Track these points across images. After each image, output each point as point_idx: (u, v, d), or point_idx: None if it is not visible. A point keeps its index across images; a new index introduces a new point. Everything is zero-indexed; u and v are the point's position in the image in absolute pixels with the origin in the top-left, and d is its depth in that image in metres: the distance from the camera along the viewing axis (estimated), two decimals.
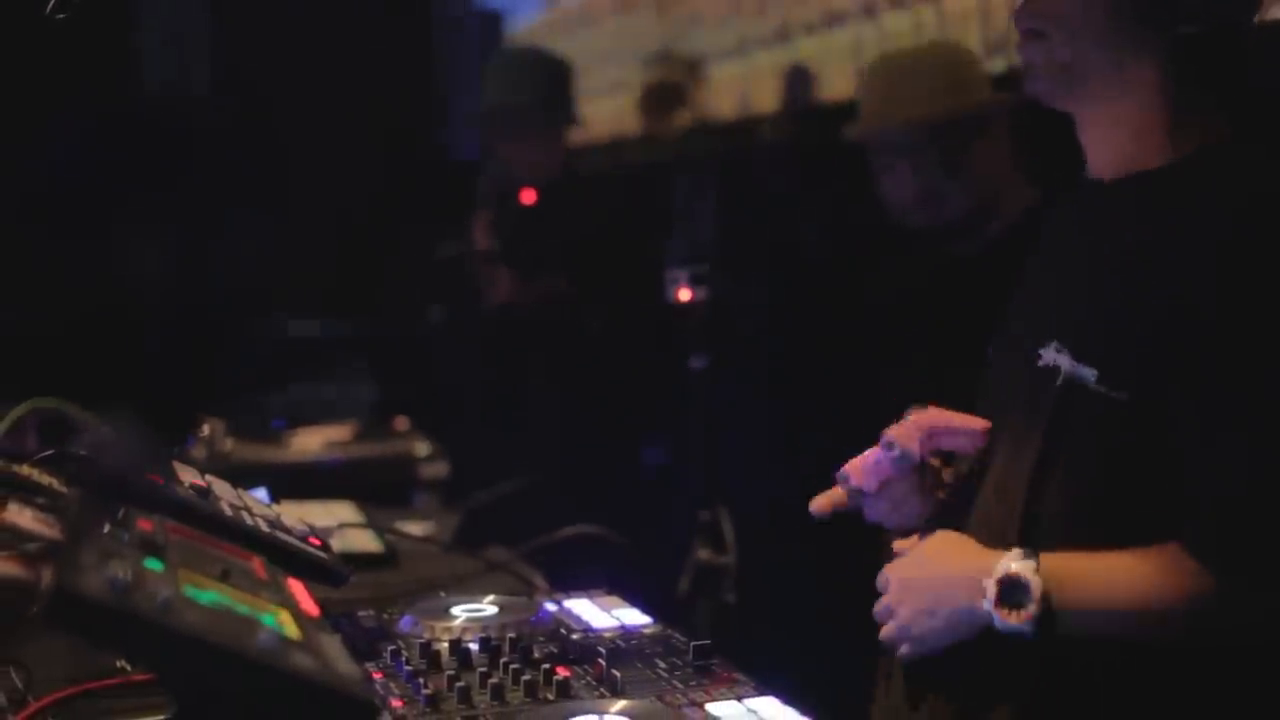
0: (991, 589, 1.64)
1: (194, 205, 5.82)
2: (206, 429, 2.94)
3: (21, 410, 1.93)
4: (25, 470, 1.66)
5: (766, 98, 4.18)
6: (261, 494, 2.21)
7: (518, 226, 4.03)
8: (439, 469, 3.21)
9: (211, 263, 5.88)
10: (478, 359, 4.10)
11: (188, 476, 1.84)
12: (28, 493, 1.62)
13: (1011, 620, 1.63)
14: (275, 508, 2.02)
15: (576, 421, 3.94)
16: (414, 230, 4.54)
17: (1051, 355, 1.73)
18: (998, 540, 1.73)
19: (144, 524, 1.47)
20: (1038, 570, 1.63)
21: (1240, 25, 1.74)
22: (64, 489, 1.62)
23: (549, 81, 4.19)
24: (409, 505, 3.12)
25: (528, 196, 4.02)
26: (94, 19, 1.87)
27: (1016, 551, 1.65)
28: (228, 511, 1.76)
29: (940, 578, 1.73)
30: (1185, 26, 1.70)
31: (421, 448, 3.23)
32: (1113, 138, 1.77)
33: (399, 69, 6.19)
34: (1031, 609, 1.62)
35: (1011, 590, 1.64)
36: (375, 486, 3.02)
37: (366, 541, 2.44)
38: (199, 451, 2.92)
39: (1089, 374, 1.67)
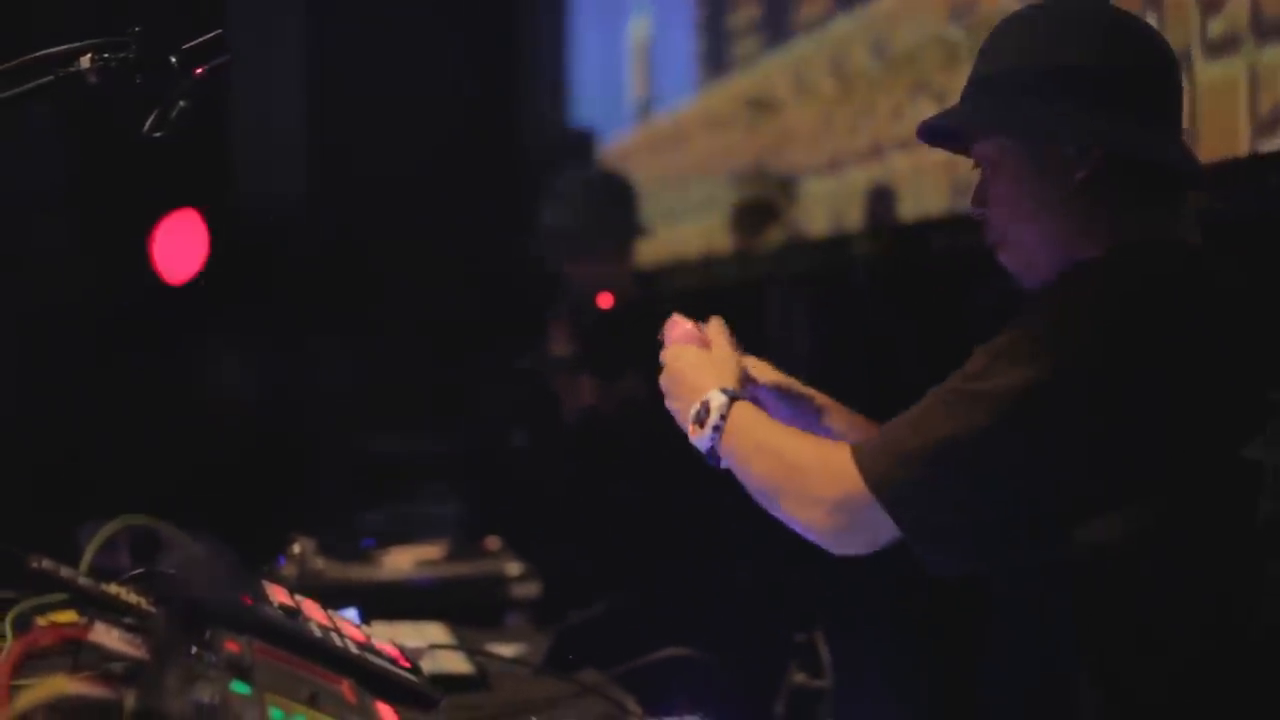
0: (691, 411, 2.03)
1: (285, 322, 5.87)
2: (297, 548, 2.93)
3: (113, 527, 1.93)
4: (113, 589, 1.65)
5: (859, 215, 4.16)
6: (353, 614, 2.18)
7: (596, 331, 4.01)
8: (530, 589, 3.17)
9: (304, 379, 5.91)
10: (564, 476, 4.07)
11: (278, 596, 1.82)
12: (115, 612, 1.60)
13: (694, 435, 2.02)
14: (366, 628, 1.99)
15: (669, 540, 3.90)
16: (504, 346, 4.54)
17: None
18: None
19: (232, 645, 1.44)
20: (730, 403, 1.99)
21: (1139, 150, 1.91)
22: (152, 608, 1.60)
23: (603, 203, 4.21)
24: (500, 626, 3.09)
25: (605, 300, 4.02)
26: (191, 134, 1.88)
27: (720, 388, 2.01)
28: (317, 633, 1.74)
29: (683, 387, 2.08)
30: (1080, 173, 1.90)
31: (513, 567, 3.19)
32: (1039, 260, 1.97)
33: (490, 187, 6.23)
34: (708, 428, 1.99)
35: (702, 412, 2.01)
36: (466, 606, 2.98)
37: (457, 663, 2.40)
38: (290, 570, 2.90)
39: None
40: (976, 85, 1.98)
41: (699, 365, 2.09)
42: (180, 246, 5.43)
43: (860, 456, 1.87)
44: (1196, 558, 1.79)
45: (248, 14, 5.83)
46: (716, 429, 2.01)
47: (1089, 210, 1.91)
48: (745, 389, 2.08)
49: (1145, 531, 1.76)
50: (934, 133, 2.06)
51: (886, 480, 1.84)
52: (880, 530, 1.87)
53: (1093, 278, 1.86)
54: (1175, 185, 1.95)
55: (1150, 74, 1.93)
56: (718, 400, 2.01)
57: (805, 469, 1.92)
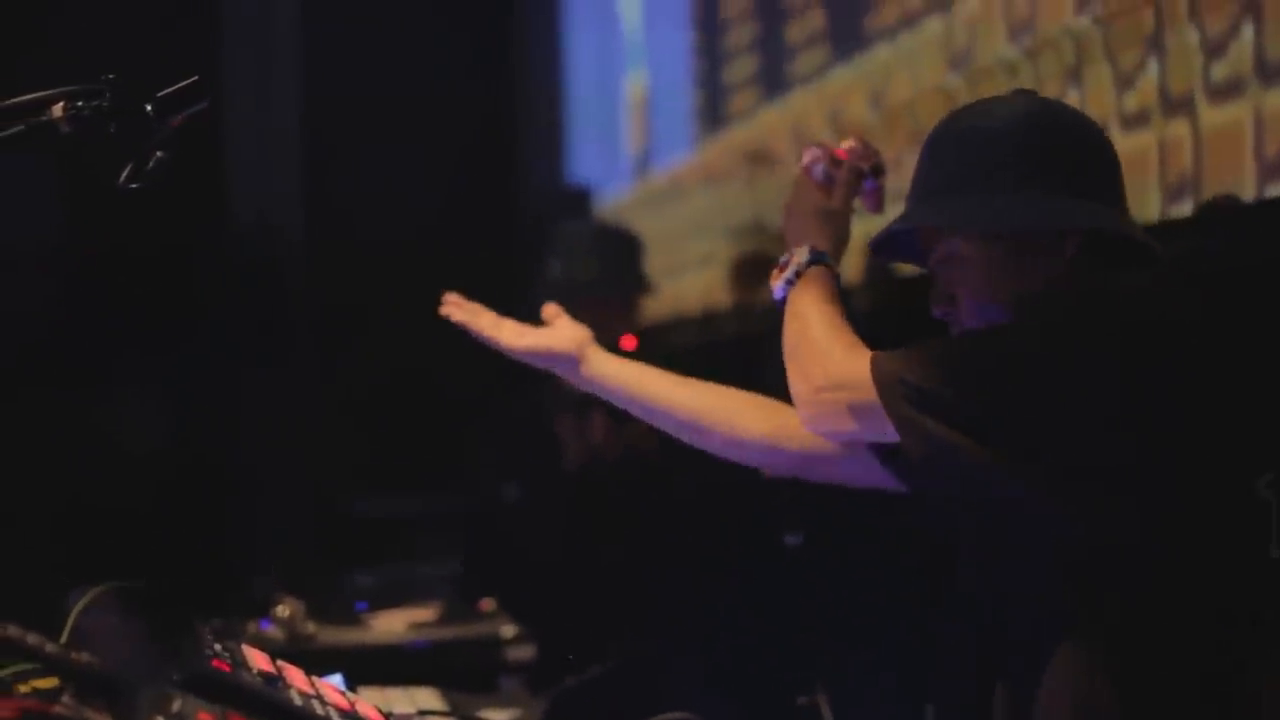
0: (781, 256, 2.16)
1: (272, 372, 5.82)
2: (285, 610, 2.86)
3: (97, 592, 1.87)
4: (83, 657, 1.58)
5: (856, 269, 4.11)
6: (337, 680, 2.12)
7: None
8: (526, 651, 3.11)
9: (289, 430, 5.86)
10: (561, 533, 4.01)
11: (257, 662, 1.76)
12: (83, 680, 1.53)
13: (774, 280, 2.14)
14: (351, 695, 1.94)
15: (666, 600, 3.84)
16: (500, 396, 4.49)
17: None
18: None
19: (204, 717, 1.38)
20: (810, 262, 2.12)
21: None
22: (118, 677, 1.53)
23: (610, 255, 4.17)
24: (495, 690, 3.02)
25: (628, 343, 3.97)
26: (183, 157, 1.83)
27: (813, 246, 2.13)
28: (297, 701, 1.68)
29: (789, 227, 2.22)
30: (1061, 258, 1.95)
31: (508, 630, 3.13)
32: None
33: (487, 243, 6.20)
34: (783, 280, 2.13)
35: (785, 261, 2.14)
36: (460, 670, 2.93)
37: None
38: (277, 633, 2.84)
39: None
40: (931, 190, 2.04)
41: (806, 214, 2.19)
42: None
43: (876, 356, 1.97)
44: (1201, 577, 1.83)
45: (242, 58, 5.82)
46: (789, 283, 2.13)
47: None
48: (837, 251, 2.19)
49: (1151, 544, 1.81)
50: (890, 240, 2.11)
51: (889, 374, 1.93)
52: (860, 420, 1.97)
53: (1120, 285, 1.93)
54: (1137, 261, 1.99)
55: (1096, 155, 2.01)
56: (801, 257, 2.13)
57: (821, 345, 2.04)
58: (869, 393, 1.93)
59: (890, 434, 1.92)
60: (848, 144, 2.23)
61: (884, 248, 2.15)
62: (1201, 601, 1.81)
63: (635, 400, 2.33)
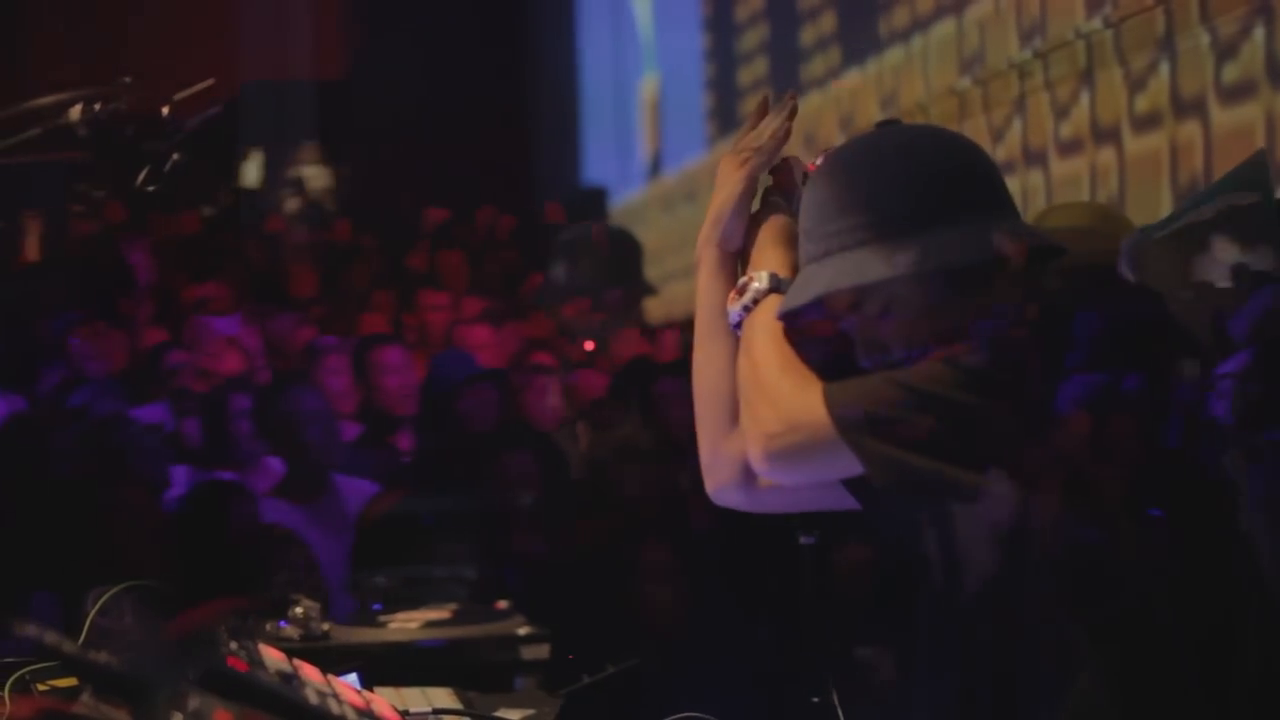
0: (740, 279, 2.02)
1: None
2: (301, 610, 2.88)
3: (114, 592, 1.88)
4: (101, 656, 1.60)
5: None
6: (353, 679, 2.13)
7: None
8: (540, 650, 3.11)
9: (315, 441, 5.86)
10: (573, 536, 4.02)
11: (274, 661, 1.77)
12: (100, 679, 1.55)
13: (730, 303, 2.01)
14: (366, 693, 1.95)
15: (681, 599, 3.84)
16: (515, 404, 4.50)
17: None
18: None
19: (221, 715, 1.39)
20: (766, 293, 1.98)
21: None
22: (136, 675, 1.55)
23: (611, 259, 4.19)
24: (509, 689, 3.03)
25: (586, 345, 3.98)
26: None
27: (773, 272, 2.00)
28: (313, 699, 1.69)
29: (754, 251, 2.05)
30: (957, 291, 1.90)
31: (522, 629, 3.14)
32: None
33: (505, 243, 6.21)
34: (739, 305, 1.99)
35: (744, 286, 2.00)
36: (475, 669, 2.93)
37: None
38: (293, 633, 2.85)
39: None
40: (860, 239, 1.93)
41: (772, 237, 2.06)
42: None
43: (829, 390, 1.88)
44: (1187, 592, 1.83)
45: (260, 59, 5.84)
46: (746, 309, 2.01)
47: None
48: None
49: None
50: (803, 305, 2.00)
51: (846, 407, 1.85)
52: (820, 459, 1.89)
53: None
54: (1040, 261, 1.97)
55: (989, 170, 1.97)
56: (759, 284, 2.01)
57: (770, 385, 1.94)
58: (826, 431, 1.85)
59: (850, 468, 1.89)
60: (819, 160, 2.19)
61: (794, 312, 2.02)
62: (1187, 618, 1.81)
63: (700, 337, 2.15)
